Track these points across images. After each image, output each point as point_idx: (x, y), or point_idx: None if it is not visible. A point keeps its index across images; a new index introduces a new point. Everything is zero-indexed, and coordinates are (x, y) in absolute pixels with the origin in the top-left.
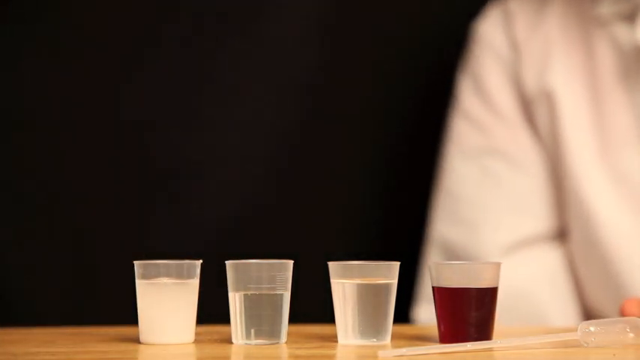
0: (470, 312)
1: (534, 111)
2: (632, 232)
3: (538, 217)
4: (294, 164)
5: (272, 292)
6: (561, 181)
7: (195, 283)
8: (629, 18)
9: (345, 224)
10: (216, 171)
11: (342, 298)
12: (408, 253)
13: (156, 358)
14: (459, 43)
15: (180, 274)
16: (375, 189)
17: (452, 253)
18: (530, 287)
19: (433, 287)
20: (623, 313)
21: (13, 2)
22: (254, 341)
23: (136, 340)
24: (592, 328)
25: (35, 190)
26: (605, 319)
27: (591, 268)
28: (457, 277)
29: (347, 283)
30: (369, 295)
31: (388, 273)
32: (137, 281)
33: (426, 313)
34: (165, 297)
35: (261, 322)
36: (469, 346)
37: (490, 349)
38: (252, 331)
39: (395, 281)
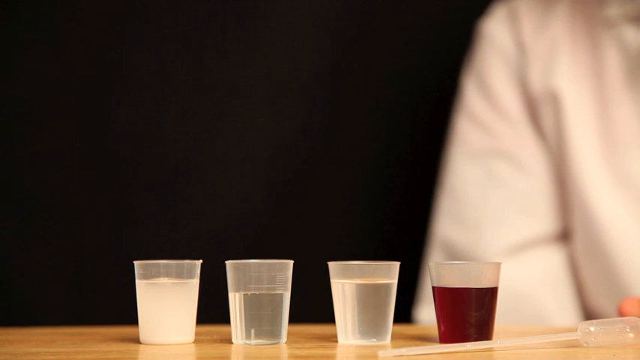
0: (470, 312)
1: (539, 112)
2: (636, 235)
3: (541, 219)
4: (295, 164)
5: (272, 292)
6: (565, 183)
7: (195, 283)
8: (637, 19)
9: (345, 224)
10: (217, 171)
11: (342, 298)
12: (409, 253)
13: (156, 358)
14: (463, 42)
15: (180, 274)
16: (376, 189)
17: (454, 254)
18: (533, 289)
19: (433, 287)
20: (621, 312)
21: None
22: (254, 341)
23: (136, 340)
24: (592, 328)
25: (35, 190)
26: (605, 319)
27: (594, 270)
28: (457, 277)
29: (347, 283)
30: (369, 295)
31: (388, 273)
32: (137, 281)
33: (427, 313)
34: (165, 297)
35: (261, 322)
36: (469, 346)
37: (490, 349)
38: (252, 331)
39: (395, 281)
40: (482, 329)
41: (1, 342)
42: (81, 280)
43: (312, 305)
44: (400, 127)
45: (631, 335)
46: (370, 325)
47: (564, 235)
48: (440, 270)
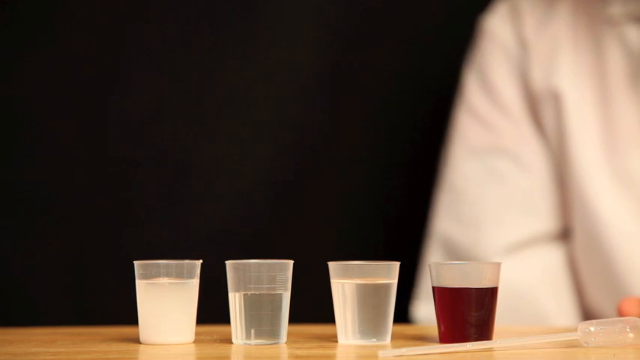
0: (470, 312)
1: (541, 110)
2: (636, 234)
3: (541, 217)
4: (295, 163)
5: (272, 292)
6: (566, 182)
7: (195, 283)
8: None
9: (345, 224)
10: (217, 171)
11: (342, 298)
12: (408, 253)
13: (156, 358)
14: (465, 40)
15: (180, 274)
16: (376, 189)
17: (453, 251)
18: (532, 289)
19: (433, 287)
20: (620, 312)
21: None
22: (254, 341)
23: (136, 340)
24: (592, 328)
25: (35, 190)
26: (605, 319)
27: (594, 269)
28: (457, 277)
29: (347, 283)
30: (369, 295)
31: (388, 273)
32: (137, 281)
33: (425, 310)
34: (165, 297)
35: (261, 322)
36: (469, 346)
37: (490, 349)
38: (252, 331)
39: (395, 281)
40: (482, 329)
41: (1, 342)
42: (81, 280)
43: (312, 305)
44: (400, 127)
45: (631, 335)
46: (370, 325)
47: (564, 234)
48: (440, 270)
